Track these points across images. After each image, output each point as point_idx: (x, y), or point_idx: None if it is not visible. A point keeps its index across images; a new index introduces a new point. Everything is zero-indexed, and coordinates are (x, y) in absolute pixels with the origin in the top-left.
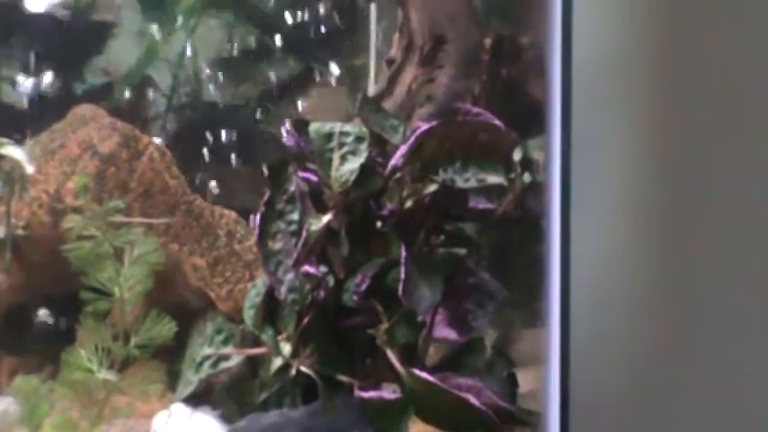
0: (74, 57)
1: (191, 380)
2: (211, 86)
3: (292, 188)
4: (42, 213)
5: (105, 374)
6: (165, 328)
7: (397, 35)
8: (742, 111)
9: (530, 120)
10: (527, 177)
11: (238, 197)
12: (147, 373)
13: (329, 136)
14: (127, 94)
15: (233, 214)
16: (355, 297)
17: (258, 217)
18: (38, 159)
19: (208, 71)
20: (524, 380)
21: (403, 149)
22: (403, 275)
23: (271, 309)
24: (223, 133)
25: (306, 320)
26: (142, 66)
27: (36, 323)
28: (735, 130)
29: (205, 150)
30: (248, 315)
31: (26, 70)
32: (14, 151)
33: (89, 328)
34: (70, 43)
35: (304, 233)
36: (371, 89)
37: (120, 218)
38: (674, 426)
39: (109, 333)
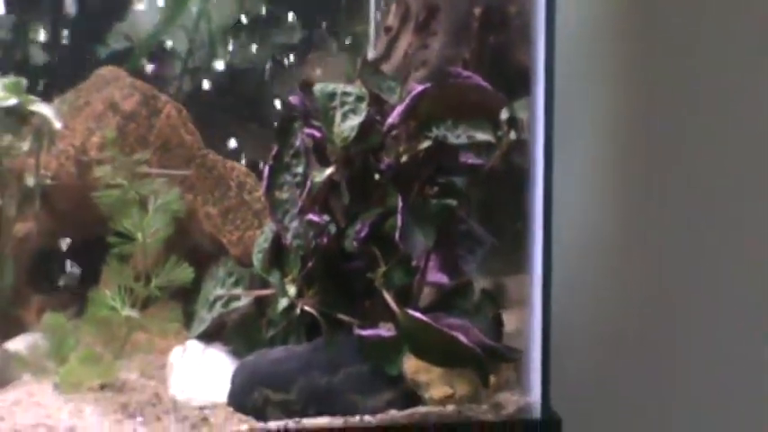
0: (97, 23)
1: (204, 318)
2: (223, 51)
3: (298, 143)
4: (69, 165)
5: (128, 312)
6: (184, 272)
7: (393, 5)
8: (715, 77)
9: (516, 82)
10: (513, 135)
11: (248, 152)
12: (166, 313)
13: (332, 96)
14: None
15: (243, 167)
16: (355, 243)
17: (266, 169)
18: (65, 116)
19: (220, 36)
20: (509, 321)
21: (400, 109)
22: (399, 223)
23: (277, 253)
24: (234, 93)
25: (310, 264)
26: (159, 32)
27: (62, 265)
28: (707, 94)
29: (217, 108)
30: (257, 259)
31: (54, 35)
32: (43, 108)
33: (114, 270)
34: (94, 11)
35: (308, 184)
36: (371, 54)
37: (143, 169)
38: (645, 363)
39: (131, 275)
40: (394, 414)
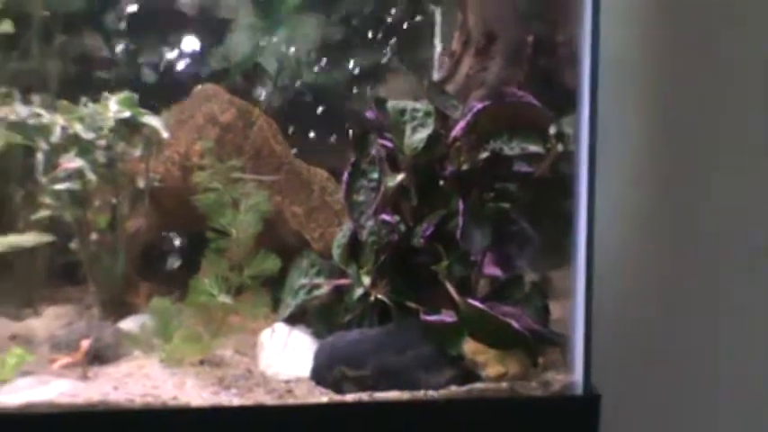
0: (200, 46)
1: (290, 304)
2: (307, 71)
3: (373, 153)
4: (174, 170)
5: (223, 298)
6: (272, 263)
7: (456, 32)
8: (753, 92)
9: (563, 102)
10: (560, 147)
11: (329, 160)
12: (256, 299)
13: (403, 112)
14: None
15: (325, 173)
16: (422, 240)
17: (345, 175)
18: (171, 127)
19: (306, 59)
20: (555, 309)
21: (462, 124)
22: (460, 224)
23: (354, 248)
24: (317, 109)
25: (382, 258)
26: (253, 54)
27: (167, 256)
28: (735, 101)
29: (303, 122)
30: (336, 253)
31: (161, 56)
32: (153, 120)
33: (211, 261)
34: (197, 35)
35: (382, 189)
36: (436, 76)
37: (237, 174)
38: (679, 346)
39: (227, 265)
40: (454, 390)
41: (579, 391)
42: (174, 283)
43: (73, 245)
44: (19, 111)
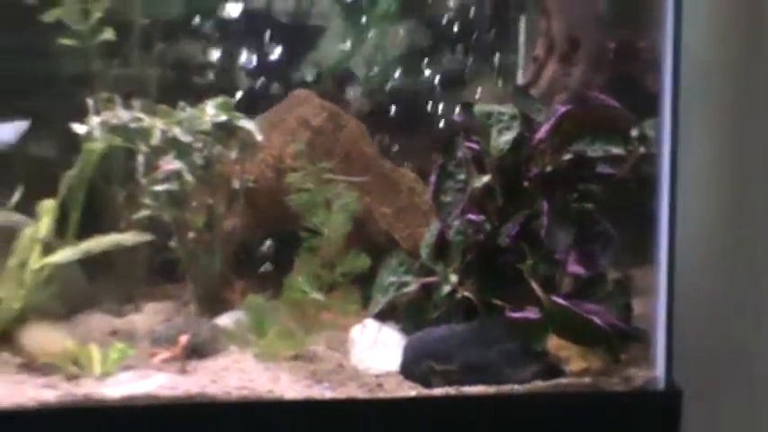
0: (292, 52)
1: (379, 301)
2: (396, 76)
3: (460, 155)
4: (268, 171)
5: (316, 295)
6: (362, 261)
7: (540, 39)
8: None
9: (645, 105)
10: (642, 150)
11: (416, 162)
12: (347, 296)
13: (489, 115)
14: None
15: (412, 175)
16: (507, 239)
17: (433, 177)
18: (265, 130)
19: (394, 64)
20: (637, 306)
21: (546, 126)
22: (545, 223)
23: (441, 247)
24: (405, 112)
25: (468, 257)
26: (343, 60)
27: (260, 255)
28: None
29: (391, 125)
30: (424, 252)
31: (258, 62)
32: (248, 124)
33: (304, 260)
34: (291, 42)
35: (469, 189)
36: (521, 80)
37: (328, 176)
38: (764, 345)
39: (319, 263)
40: (538, 384)
41: (661, 386)
42: (267, 280)
43: (171, 243)
44: (121, 115)
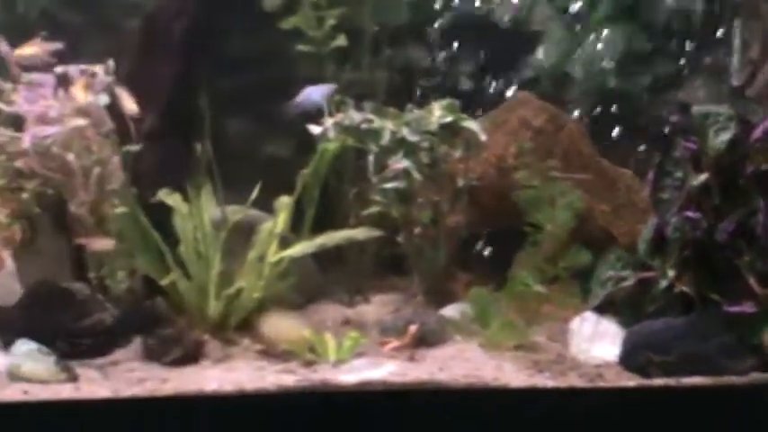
0: (512, 56)
1: (598, 294)
2: (614, 78)
3: (677, 154)
4: (491, 170)
5: (538, 288)
6: (584, 257)
7: (756, 42)
8: None
9: None
10: None
11: (632, 162)
12: (567, 289)
13: (706, 116)
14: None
15: (630, 173)
16: (724, 236)
17: (652, 175)
18: (488, 131)
19: (611, 66)
20: None
21: (762, 126)
22: (762, 220)
23: (659, 243)
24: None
25: (686, 253)
26: (561, 63)
27: (483, 249)
28: None
29: (607, 125)
30: (642, 248)
31: (478, 66)
32: (472, 124)
33: (528, 253)
34: (511, 47)
35: (686, 188)
36: (736, 81)
37: (553, 173)
38: None
39: (542, 257)
40: (756, 376)
41: None
42: (489, 274)
43: (398, 238)
44: (352, 116)
